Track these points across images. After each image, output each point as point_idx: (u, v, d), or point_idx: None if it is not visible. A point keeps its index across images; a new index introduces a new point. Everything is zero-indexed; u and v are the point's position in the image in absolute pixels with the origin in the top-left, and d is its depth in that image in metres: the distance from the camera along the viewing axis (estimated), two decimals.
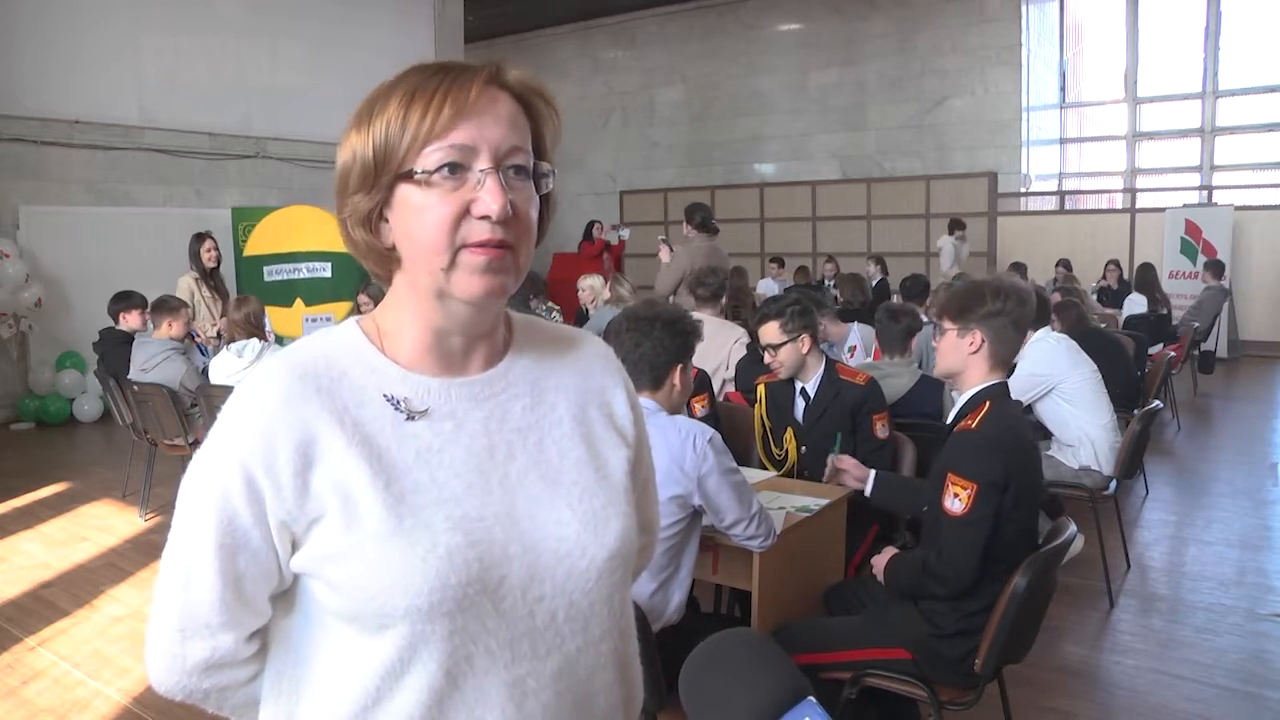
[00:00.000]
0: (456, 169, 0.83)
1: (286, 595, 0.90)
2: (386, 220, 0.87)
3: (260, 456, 0.82)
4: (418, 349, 0.90)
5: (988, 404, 2.18)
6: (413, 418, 0.87)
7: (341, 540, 0.83)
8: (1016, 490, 2.08)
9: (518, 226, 0.86)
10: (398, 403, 0.87)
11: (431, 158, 0.83)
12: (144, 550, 4.41)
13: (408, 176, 0.84)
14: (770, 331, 3.10)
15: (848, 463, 2.81)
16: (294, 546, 0.85)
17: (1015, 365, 4.33)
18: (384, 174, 0.84)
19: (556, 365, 0.98)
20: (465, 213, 0.84)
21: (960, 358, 2.27)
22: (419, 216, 0.84)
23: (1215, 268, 9.03)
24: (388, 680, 0.84)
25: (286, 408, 0.84)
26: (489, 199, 0.83)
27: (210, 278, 6.47)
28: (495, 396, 0.92)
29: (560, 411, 0.96)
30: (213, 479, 0.84)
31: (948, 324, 2.29)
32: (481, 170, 0.84)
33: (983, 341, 2.23)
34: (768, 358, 3.14)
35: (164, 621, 0.88)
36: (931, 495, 2.21)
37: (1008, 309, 2.23)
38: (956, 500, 2.05)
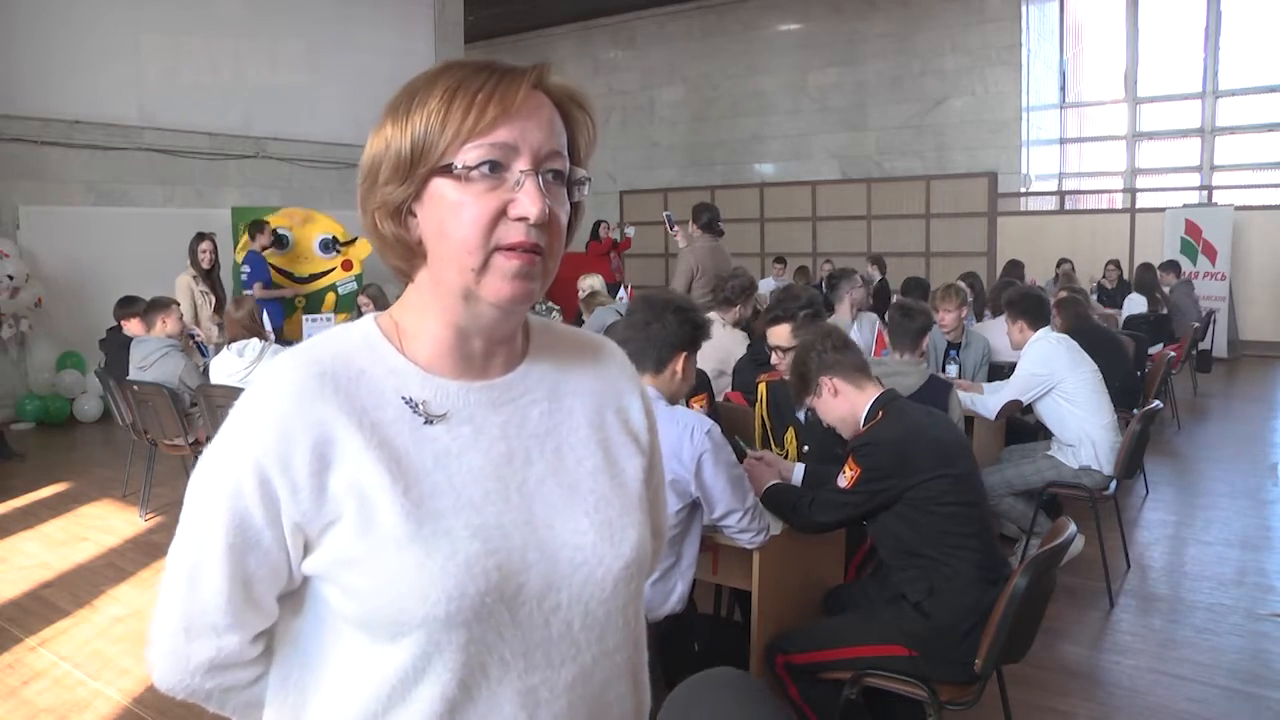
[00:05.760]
0: (496, 168, 0.81)
1: (295, 596, 0.87)
2: (414, 215, 0.85)
3: (276, 455, 0.80)
4: (438, 350, 0.87)
5: (880, 413, 2.41)
6: (431, 421, 0.85)
7: (357, 545, 0.80)
8: (925, 480, 2.24)
9: (550, 232, 0.84)
10: (416, 406, 0.85)
11: (472, 154, 0.81)
12: (144, 550, 4.40)
13: (445, 171, 0.81)
14: (781, 334, 3.09)
15: (768, 460, 2.73)
16: (306, 549, 0.83)
17: (1000, 362, 4.38)
18: (419, 167, 0.82)
19: (573, 370, 0.96)
20: (501, 214, 0.81)
21: (839, 408, 2.49)
22: (454, 213, 0.81)
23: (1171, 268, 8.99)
24: (400, 688, 0.81)
25: (304, 406, 0.81)
26: (527, 201, 0.81)
27: (206, 278, 6.60)
28: (514, 401, 0.90)
29: (578, 417, 0.94)
30: (225, 477, 0.81)
31: (809, 400, 2.54)
32: (521, 171, 0.82)
33: (834, 382, 2.47)
34: (775, 358, 3.13)
35: (168, 620, 0.86)
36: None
37: (818, 345, 2.49)
38: (843, 477, 2.35)
